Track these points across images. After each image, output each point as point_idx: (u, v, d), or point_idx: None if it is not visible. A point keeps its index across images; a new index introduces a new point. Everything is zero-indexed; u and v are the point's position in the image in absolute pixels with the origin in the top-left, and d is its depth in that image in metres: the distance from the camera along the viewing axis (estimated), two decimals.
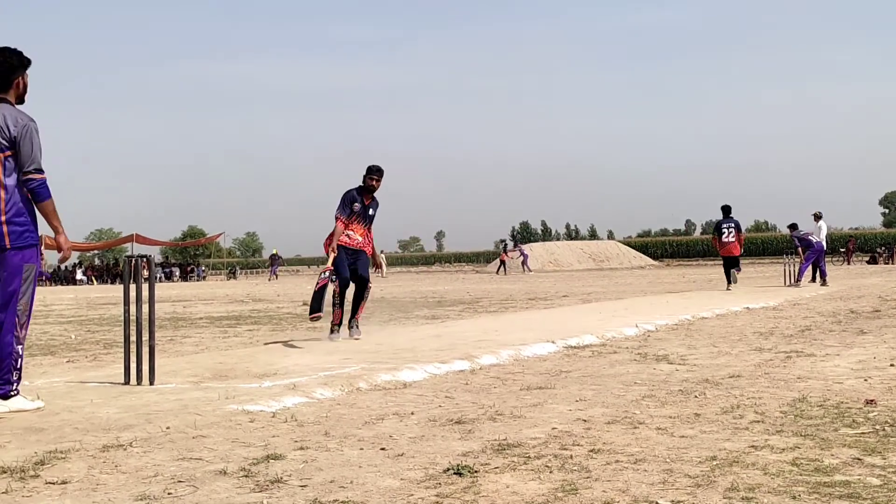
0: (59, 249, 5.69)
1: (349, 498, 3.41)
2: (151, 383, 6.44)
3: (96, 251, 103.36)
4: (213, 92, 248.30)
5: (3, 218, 5.39)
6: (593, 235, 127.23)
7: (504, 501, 3.31)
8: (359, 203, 9.89)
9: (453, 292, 25.21)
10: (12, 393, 5.46)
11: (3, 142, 5.39)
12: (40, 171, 5.46)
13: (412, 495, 3.43)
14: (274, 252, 64.80)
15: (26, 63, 5.58)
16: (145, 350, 6.55)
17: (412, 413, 5.31)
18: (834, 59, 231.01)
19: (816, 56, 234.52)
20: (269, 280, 56.38)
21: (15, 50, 5.56)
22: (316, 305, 9.48)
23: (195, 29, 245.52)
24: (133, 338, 6.62)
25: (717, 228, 21.54)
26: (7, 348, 5.43)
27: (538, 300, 19.03)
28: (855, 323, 10.88)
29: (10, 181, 5.42)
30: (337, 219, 9.78)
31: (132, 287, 6.58)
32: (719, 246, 21.36)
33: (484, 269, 64.72)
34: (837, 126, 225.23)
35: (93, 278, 67.12)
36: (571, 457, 4.03)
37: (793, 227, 22.94)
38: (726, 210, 21.27)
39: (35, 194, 5.47)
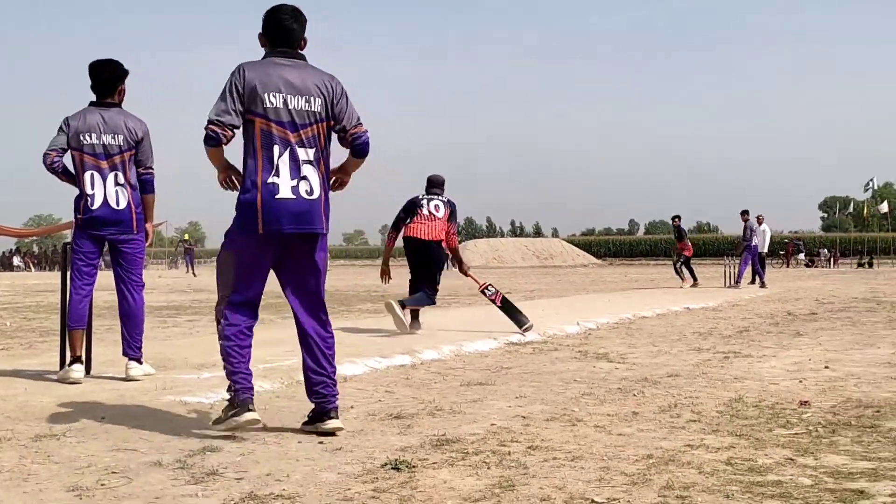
0: (148, 236, 6.44)
1: (285, 491, 3.38)
2: (88, 373, 6.34)
3: (35, 238, 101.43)
4: (151, 79, 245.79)
5: (135, 211, 6.28)
6: (538, 233, 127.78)
7: (441, 497, 3.31)
8: None
9: (397, 286, 25.07)
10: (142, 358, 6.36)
11: (132, 142, 6.24)
12: (153, 167, 6.41)
13: (349, 489, 3.42)
14: (185, 237, 56.27)
15: (126, 73, 6.35)
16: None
17: (352, 407, 5.29)
18: (776, 62, 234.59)
19: (759, 58, 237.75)
20: (188, 272, 44.90)
21: (117, 61, 6.31)
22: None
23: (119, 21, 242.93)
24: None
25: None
26: (142, 316, 6.36)
27: (481, 296, 19.03)
28: (792, 325, 11.05)
29: (133, 178, 6.30)
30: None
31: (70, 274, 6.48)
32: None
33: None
34: (780, 129, 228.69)
35: (30, 265, 65.97)
36: (509, 453, 4.04)
37: (745, 213, 23.15)
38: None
39: (147, 186, 6.38)
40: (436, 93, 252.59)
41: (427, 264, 9.82)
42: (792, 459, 3.91)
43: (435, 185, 10.23)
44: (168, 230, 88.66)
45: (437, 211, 9.93)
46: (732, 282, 22.16)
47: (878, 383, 6.14)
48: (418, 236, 9.75)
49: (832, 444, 4.21)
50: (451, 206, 10.04)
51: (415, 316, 9.88)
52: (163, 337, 9.68)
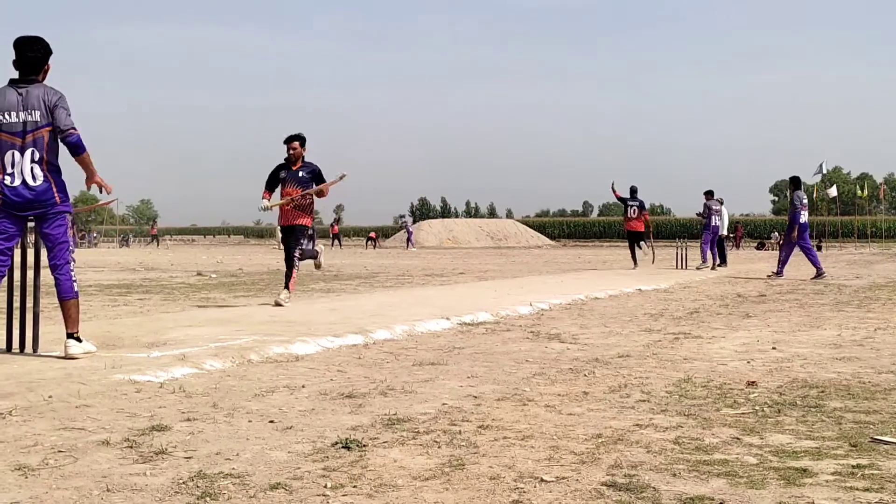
0: (101, 186, 6.33)
1: (234, 470, 3.37)
2: (35, 351, 6.26)
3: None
4: (100, 53, 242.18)
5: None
6: (492, 214, 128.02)
7: (391, 476, 3.32)
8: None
9: (350, 266, 25.12)
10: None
11: (49, 116, 6.03)
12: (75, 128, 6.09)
13: (299, 468, 3.41)
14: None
15: (52, 51, 6.23)
16: (29, 317, 6.36)
17: (303, 386, 5.27)
18: (728, 46, 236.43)
19: (709, 42, 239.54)
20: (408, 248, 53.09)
21: (44, 39, 6.19)
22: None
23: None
24: (17, 304, 6.43)
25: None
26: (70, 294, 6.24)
27: (435, 276, 19.08)
28: (741, 307, 11.18)
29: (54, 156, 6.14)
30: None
31: (17, 252, 6.38)
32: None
33: (382, 244, 64.67)
34: (732, 113, 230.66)
35: None
36: (460, 432, 4.06)
37: (709, 194, 23.18)
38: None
39: (74, 148, 6.08)
40: (387, 71, 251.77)
41: (636, 240, 22.40)
42: (738, 438, 3.96)
43: (634, 192, 22.61)
44: (119, 208, 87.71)
45: (634, 214, 22.26)
46: (685, 265, 22.35)
47: (823, 364, 6.24)
48: (634, 230, 22.44)
49: (778, 424, 4.27)
50: (641, 206, 22.44)
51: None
52: (113, 315, 9.58)
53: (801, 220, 17.55)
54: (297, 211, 10.77)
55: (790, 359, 6.51)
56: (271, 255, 37.42)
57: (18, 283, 6.44)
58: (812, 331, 8.38)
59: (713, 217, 22.58)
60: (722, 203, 23.52)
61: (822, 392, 5.12)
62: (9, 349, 6.32)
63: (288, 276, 10.71)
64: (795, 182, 18.04)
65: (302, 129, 11.63)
